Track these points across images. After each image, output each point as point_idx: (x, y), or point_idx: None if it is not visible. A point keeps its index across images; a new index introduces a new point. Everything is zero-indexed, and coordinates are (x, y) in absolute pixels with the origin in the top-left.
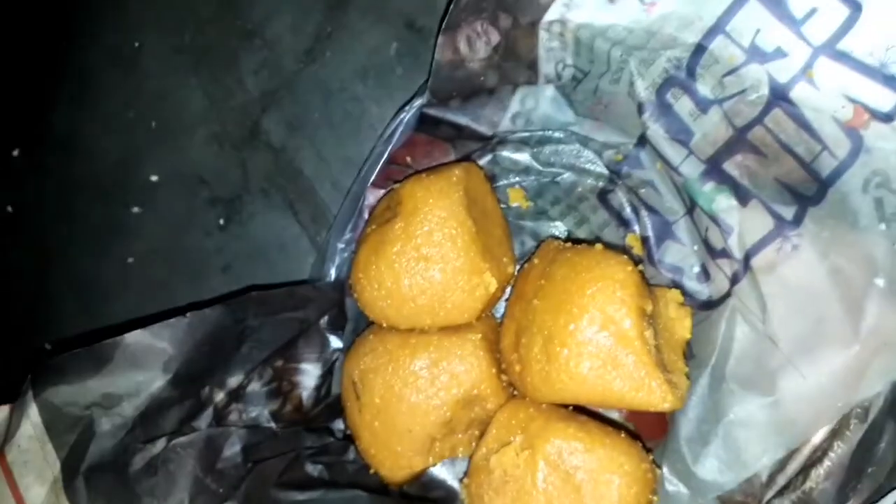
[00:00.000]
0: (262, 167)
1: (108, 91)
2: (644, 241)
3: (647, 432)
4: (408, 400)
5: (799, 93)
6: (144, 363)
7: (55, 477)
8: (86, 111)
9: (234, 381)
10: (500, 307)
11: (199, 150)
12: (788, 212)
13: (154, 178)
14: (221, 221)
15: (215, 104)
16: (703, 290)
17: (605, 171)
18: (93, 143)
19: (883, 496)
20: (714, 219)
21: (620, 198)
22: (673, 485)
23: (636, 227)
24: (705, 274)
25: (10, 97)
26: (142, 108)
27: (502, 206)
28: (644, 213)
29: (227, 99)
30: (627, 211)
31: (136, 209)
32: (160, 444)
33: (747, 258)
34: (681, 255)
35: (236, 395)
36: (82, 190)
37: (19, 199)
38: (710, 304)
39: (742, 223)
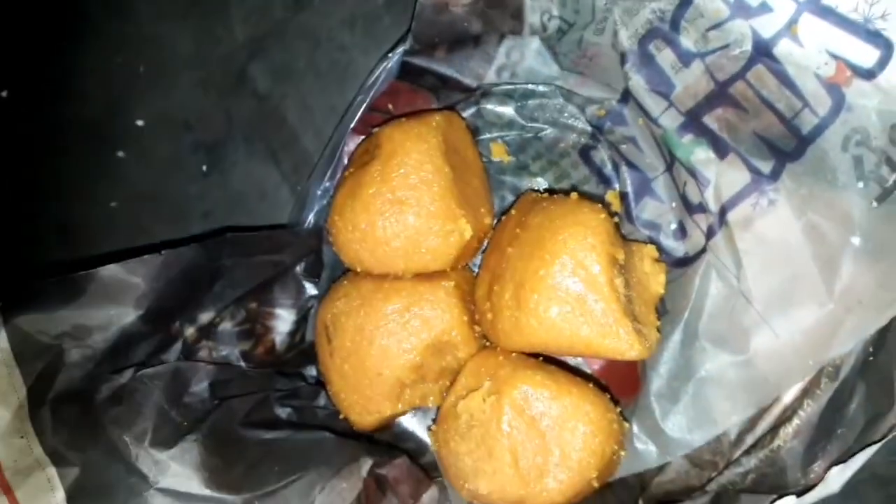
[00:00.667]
0: (247, 114)
1: (97, 35)
2: (623, 197)
3: (620, 390)
4: (378, 343)
5: (782, 49)
6: (117, 297)
7: (20, 402)
8: (75, 55)
9: (205, 317)
10: (479, 261)
11: (185, 96)
12: (766, 166)
13: (140, 122)
14: (204, 168)
15: (203, 50)
16: (678, 247)
17: (588, 127)
18: (80, 86)
19: (851, 456)
20: (692, 171)
21: (602, 154)
22: (642, 442)
23: (616, 184)
24: (682, 231)
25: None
26: (130, 53)
27: (484, 160)
28: (624, 168)
29: (214, 45)
30: (608, 167)
31: (121, 153)
32: (127, 374)
33: (723, 212)
34: (659, 211)
35: (207, 331)
36: (69, 133)
37: (6, 139)
38: (686, 261)
39: (719, 176)
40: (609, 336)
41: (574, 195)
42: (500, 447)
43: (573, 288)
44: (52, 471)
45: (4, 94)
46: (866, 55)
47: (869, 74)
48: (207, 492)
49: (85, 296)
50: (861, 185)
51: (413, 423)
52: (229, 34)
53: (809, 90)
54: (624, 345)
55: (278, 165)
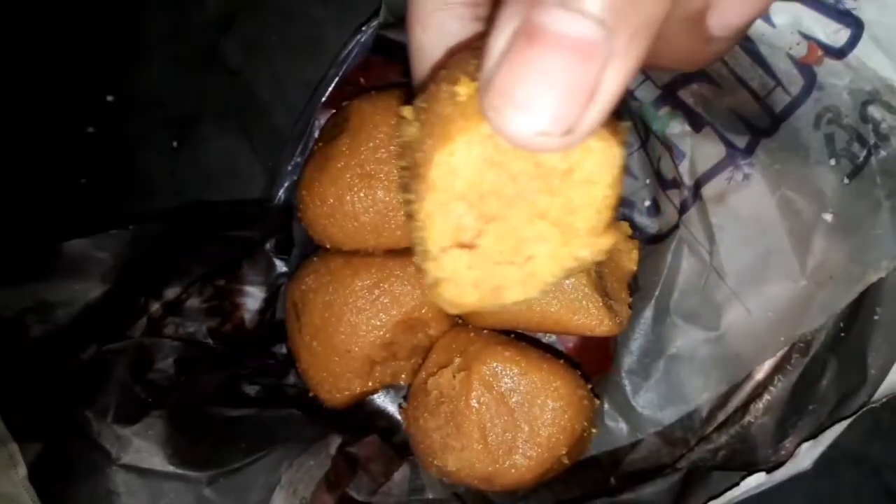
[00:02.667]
0: (218, 90)
1: (69, 11)
2: None
3: (592, 367)
4: (347, 320)
5: (755, 29)
6: (82, 272)
7: None
8: (46, 31)
9: (171, 293)
10: None
11: (156, 72)
12: (741, 140)
13: (110, 98)
14: (175, 144)
15: (174, 26)
16: (652, 225)
17: None
18: (50, 62)
19: (822, 432)
20: (667, 145)
21: None
22: (613, 420)
23: None
24: (655, 208)
25: None
26: (101, 29)
27: None
28: None
29: (186, 20)
30: None
31: (91, 129)
32: (91, 350)
33: (698, 186)
34: (632, 188)
35: (173, 307)
36: (38, 108)
37: None
38: (659, 238)
39: (694, 149)
40: (579, 312)
41: None
42: (469, 423)
43: None
44: (13, 447)
45: None
46: (837, 34)
47: (840, 53)
48: (171, 468)
49: (50, 270)
50: (833, 161)
51: (385, 402)
52: (201, 9)
53: (782, 69)
54: (594, 320)
55: (250, 141)
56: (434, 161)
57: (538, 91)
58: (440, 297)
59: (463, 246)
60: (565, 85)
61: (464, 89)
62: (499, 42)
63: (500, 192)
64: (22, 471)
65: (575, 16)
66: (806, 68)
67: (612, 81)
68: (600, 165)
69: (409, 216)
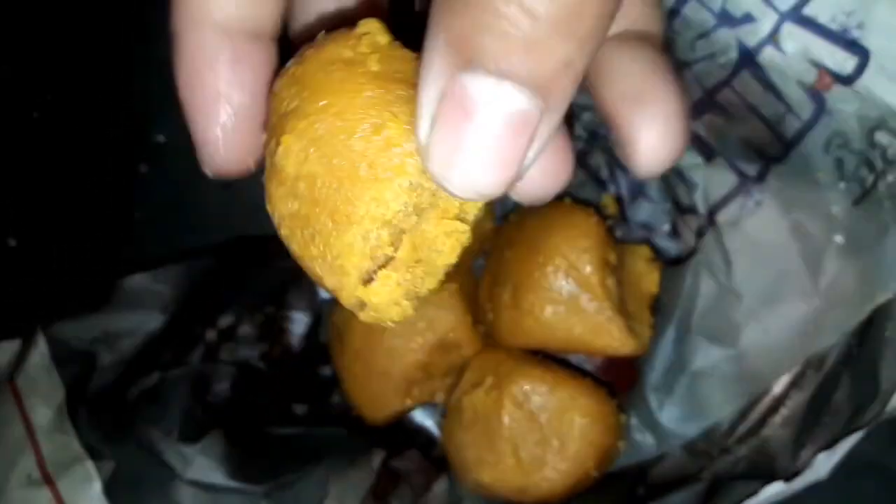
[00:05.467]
0: None
1: (120, 58)
2: (618, 199)
3: (618, 385)
4: (387, 344)
5: (766, 57)
6: (144, 303)
7: (60, 402)
8: (100, 77)
9: (225, 321)
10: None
11: None
12: (752, 168)
13: (161, 138)
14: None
15: None
16: (672, 247)
17: (583, 133)
18: (104, 106)
19: (836, 442)
20: (681, 175)
21: (597, 159)
22: (640, 433)
23: (611, 188)
24: (675, 231)
25: (30, 62)
26: (149, 74)
27: None
28: (619, 172)
29: None
30: (603, 171)
31: (143, 168)
32: (155, 376)
33: (712, 213)
34: (652, 212)
35: (228, 335)
36: (94, 150)
37: (37, 159)
38: (678, 261)
39: (707, 179)
40: (602, 334)
41: (567, 200)
42: (501, 439)
43: (567, 289)
44: (89, 464)
45: (35, 114)
46: (845, 62)
47: (848, 80)
48: (231, 482)
49: (114, 303)
50: (843, 185)
51: (424, 419)
52: None
53: (792, 96)
54: (616, 342)
55: None
56: (362, 199)
57: (476, 166)
58: (379, 320)
59: (383, 265)
60: (502, 155)
61: (393, 132)
62: (428, 101)
63: (417, 206)
64: (98, 486)
65: (508, 88)
66: (816, 94)
67: (546, 132)
68: None
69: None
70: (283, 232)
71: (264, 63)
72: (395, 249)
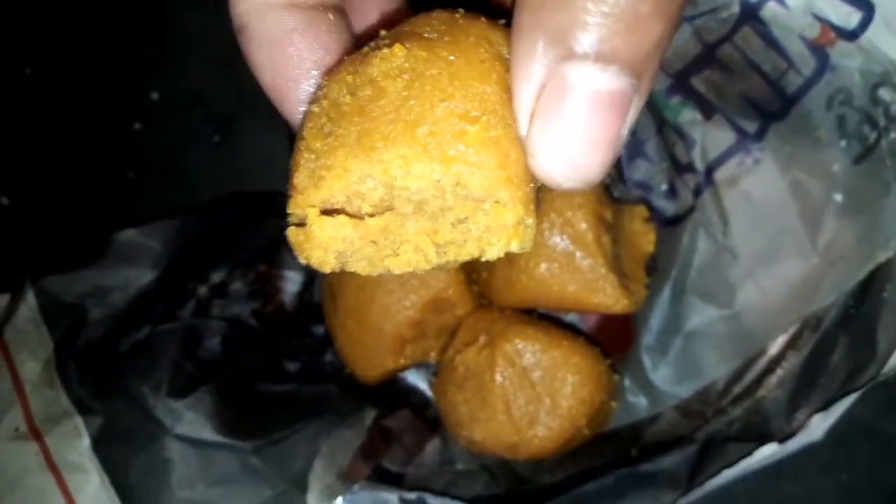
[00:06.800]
0: (255, 87)
1: (115, 15)
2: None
3: (613, 346)
4: (379, 301)
5: (768, 11)
6: (135, 259)
7: (49, 356)
8: (94, 34)
9: (217, 277)
10: None
11: (196, 71)
12: (751, 126)
13: (155, 96)
14: (217, 139)
15: (213, 27)
16: (669, 207)
17: None
18: (99, 63)
19: (832, 404)
20: (679, 132)
21: None
22: (633, 394)
23: None
24: (672, 191)
25: (22, 17)
26: (145, 31)
27: None
28: None
29: (224, 22)
30: None
31: (137, 125)
32: (145, 330)
33: (710, 171)
34: (649, 172)
35: (219, 291)
36: (88, 107)
37: (30, 114)
38: (675, 220)
39: (705, 136)
40: (596, 291)
41: None
42: (494, 396)
43: (561, 245)
44: (78, 419)
45: (28, 70)
46: (849, 17)
47: (852, 35)
48: (220, 438)
49: (105, 258)
50: (844, 143)
51: (417, 379)
52: None
53: (794, 51)
54: (610, 299)
55: (286, 136)
56: (396, 148)
57: (581, 149)
58: (300, 247)
59: (350, 214)
60: (604, 136)
61: (473, 132)
62: (527, 96)
63: (421, 204)
64: (86, 441)
65: (608, 72)
66: (818, 50)
67: (635, 116)
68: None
69: (308, 144)
70: (314, 109)
71: (338, 27)
72: (372, 215)
